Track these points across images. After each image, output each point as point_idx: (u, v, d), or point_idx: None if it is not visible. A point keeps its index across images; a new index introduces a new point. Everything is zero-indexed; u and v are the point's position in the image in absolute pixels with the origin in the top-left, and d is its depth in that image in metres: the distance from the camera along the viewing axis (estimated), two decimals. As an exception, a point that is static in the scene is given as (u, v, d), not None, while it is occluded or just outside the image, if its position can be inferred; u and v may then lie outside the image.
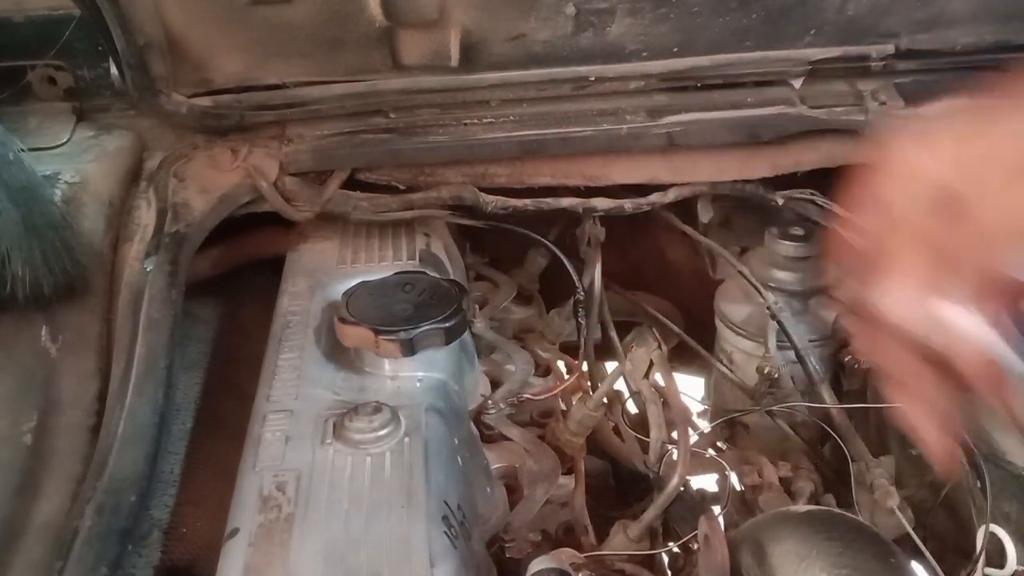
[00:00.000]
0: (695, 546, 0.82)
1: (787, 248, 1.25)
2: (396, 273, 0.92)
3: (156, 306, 0.88)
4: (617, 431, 1.12)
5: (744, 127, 1.08)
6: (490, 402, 1.00)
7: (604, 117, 1.07)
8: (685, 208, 1.27)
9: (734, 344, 1.30)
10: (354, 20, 0.95)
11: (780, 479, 1.00)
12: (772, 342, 1.17)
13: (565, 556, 0.78)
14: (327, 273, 1.00)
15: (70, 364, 0.82)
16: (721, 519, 0.90)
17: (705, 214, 1.21)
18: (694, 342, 1.37)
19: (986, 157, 0.52)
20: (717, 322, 1.34)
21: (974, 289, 0.52)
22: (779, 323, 1.16)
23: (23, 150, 0.84)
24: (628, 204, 1.13)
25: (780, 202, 1.15)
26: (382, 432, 0.75)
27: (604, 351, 1.28)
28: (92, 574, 0.67)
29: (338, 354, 0.87)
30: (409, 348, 0.80)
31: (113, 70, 0.96)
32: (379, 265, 1.01)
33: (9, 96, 1.01)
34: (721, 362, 1.32)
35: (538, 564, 0.74)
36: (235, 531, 0.67)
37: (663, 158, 1.12)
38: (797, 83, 1.10)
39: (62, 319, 0.84)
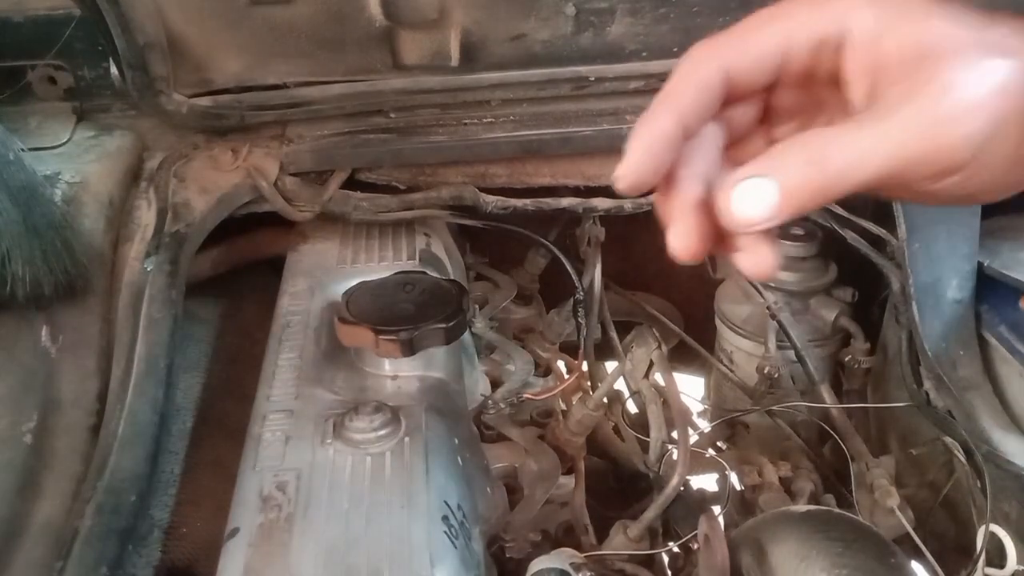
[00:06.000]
0: (695, 546, 0.82)
1: (787, 248, 1.26)
2: (396, 273, 0.92)
3: (156, 306, 0.88)
4: (617, 431, 1.12)
5: (744, 127, 1.08)
6: (490, 402, 1.00)
7: (604, 117, 1.07)
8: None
9: (734, 344, 1.30)
10: (354, 20, 0.95)
11: (780, 479, 1.00)
12: (772, 342, 1.17)
13: (565, 556, 0.78)
14: (327, 273, 1.00)
15: (70, 364, 0.82)
16: (721, 519, 0.90)
17: (705, 214, 1.21)
18: (694, 342, 1.37)
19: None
20: (717, 322, 1.34)
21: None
22: (779, 323, 1.17)
23: (23, 150, 0.84)
24: (628, 204, 1.13)
25: (780, 202, 1.14)
26: (382, 432, 0.75)
27: (604, 351, 1.28)
28: (92, 574, 0.67)
29: (338, 354, 0.87)
30: (409, 348, 0.80)
31: (113, 70, 0.96)
32: (379, 265, 1.01)
33: (9, 96, 1.01)
34: (721, 362, 1.33)
35: (538, 564, 0.74)
36: (235, 531, 0.67)
37: (663, 158, 1.12)
38: (797, 83, 1.10)
39: (62, 319, 0.84)
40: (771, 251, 0.45)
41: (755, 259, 0.45)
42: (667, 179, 0.47)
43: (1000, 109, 0.42)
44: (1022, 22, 0.45)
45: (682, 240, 0.46)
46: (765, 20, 0.45)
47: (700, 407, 1.36)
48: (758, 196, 0.42)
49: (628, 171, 0.45)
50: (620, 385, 1.10)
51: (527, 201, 1.10)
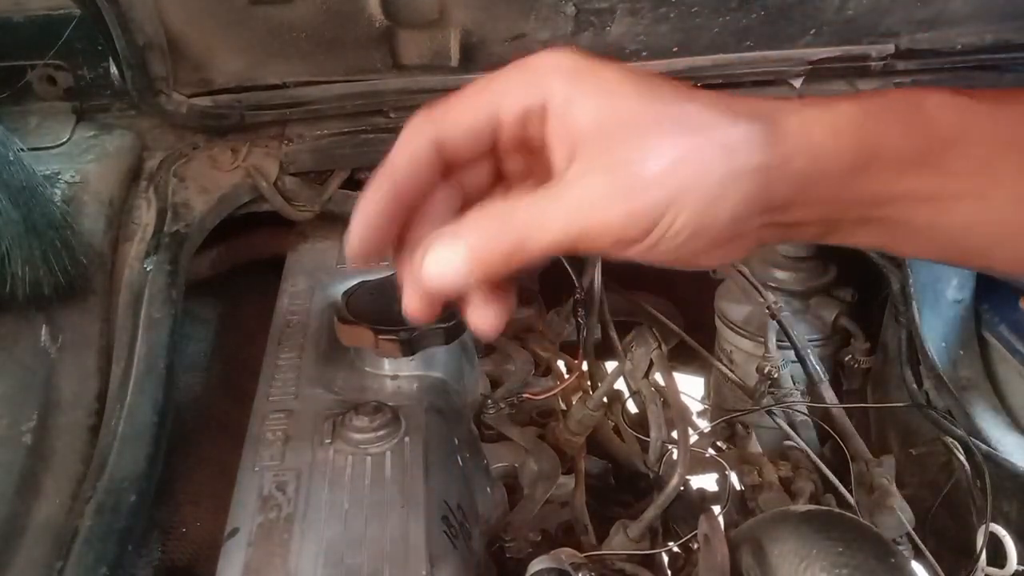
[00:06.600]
0: (695, 546, 0.82)
1: (787, 248, 1.26)
2: (396, 273, 0.92)
3: (156, 306, 0.88)
4: (617, 431, 1.12)
5: (744, 127, 1.08)
6: (490, 402, 1.00)
7: (604, 117, 1.07)
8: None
9: (734, 344, 1.30)
10: (354, 20, 0.95)
11: (780, 479, 1.00)
12: (772, 342, 1.17)
13: (565, 556, 0.78)
14: (327, 273, 1.00)
15: (70, 364, 0.82)
16: (721, 519, 0.90)
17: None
18: (694, 342, 1.37)
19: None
20: (717, 321, 1.34)
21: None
22: (779, 323, 1.17)
23: (23, 150, 0.84)
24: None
25: (780, 202, 1.14)
26: (382, 432, 0.75)
27: (604, 351, 1.28)
28: (92, 574, 0.67)
29: (338, 354, 0.87)
30: (409, 348, 0.80)
31: (113, 70, 0.96)
32: (379, 265, 1.01)
33: (9, 96, 1.01)
34: (721, 362, 1.33)
35: (538, 564, 0.74)
36: (235, 531, 0.67)
37: (663, 158, 1.12)
38: (797, 83, 1.10)
39: (62, 319, 0.84)
40: (496, 312, 0.47)
41: (480, 316, 0.47)
42: (401, 244, 0.49)
43: (671, 187, 0.42)
44: (720, 97, 0.45)
45: (411, 303, 0.48)
46: (475, 92, 0.47)
47: (700, 407, 1.36)
48: (448, 259, 0.44)
49: (352, 246, 0.47)
50: (620, 385, 1.10)
51: (527, 201, 1.10)
